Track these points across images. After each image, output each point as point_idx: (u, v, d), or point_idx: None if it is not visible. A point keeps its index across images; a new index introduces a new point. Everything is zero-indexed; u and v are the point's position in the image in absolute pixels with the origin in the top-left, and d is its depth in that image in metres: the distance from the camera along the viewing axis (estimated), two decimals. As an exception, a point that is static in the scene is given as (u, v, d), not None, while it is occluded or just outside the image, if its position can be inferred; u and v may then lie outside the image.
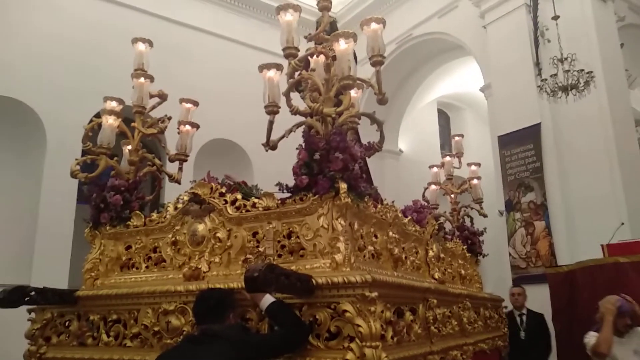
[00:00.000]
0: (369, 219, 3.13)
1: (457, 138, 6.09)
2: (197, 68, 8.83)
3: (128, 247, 3.51)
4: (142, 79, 3.73)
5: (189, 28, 9.14)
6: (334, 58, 3.10)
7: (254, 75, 10.14)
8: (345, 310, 2.43)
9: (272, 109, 3.15)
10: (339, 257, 2.70)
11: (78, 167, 3.52)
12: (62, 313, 3.36)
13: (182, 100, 4.08)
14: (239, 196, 3.14)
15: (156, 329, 2.92)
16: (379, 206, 3.33)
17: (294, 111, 3.35)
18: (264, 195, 3.03)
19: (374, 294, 2.40)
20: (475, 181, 5.83)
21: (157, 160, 3.80)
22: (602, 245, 5.37)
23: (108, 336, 3.13)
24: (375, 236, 3.23)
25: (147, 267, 3.39)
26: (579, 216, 6.64)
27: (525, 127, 7.17)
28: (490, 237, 5.99)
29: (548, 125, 7.02)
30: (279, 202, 2.96)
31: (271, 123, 3.18)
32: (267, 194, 3.02)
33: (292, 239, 2.91)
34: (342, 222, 2.78)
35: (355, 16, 9.70)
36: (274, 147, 3.28)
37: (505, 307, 5.70)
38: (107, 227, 3.55)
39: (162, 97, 3.95)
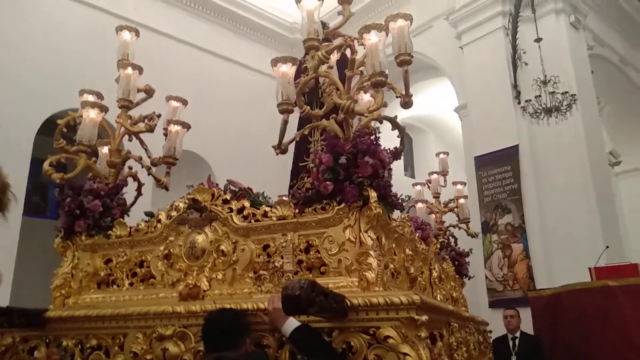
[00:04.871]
0: (391, 234, 2.83)
1: (442, 155, 5.90)
2: (155, 73, 8.28)
3: (108, 261, 3.04)
4: (129, 70, 3.29)
5: (147, 30, 8.60)
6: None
7: (217, 82, 9.59)
8: (388, 336, 2.10)
9: (285, 108, 2.81)
10: (370, 274, 2.38)
11: (51, 168, 3.03)
12: (26, 337, 2.82)
13: (169, 98, 3.67)
14: (247, 204, 2.76)
15: (149, 357, 2.47)
16: (397, 220, 3.04)
17: (305, 113, 3.04)
18: (279, 203, 2.66)
19: (424, 318, 2.08)
20: (462, 200, 5.66)
21: (145, 162, 3.34)
22: (589, 268, 5.29)
23: (85, 366, 2.64)
24: (394, 252, 2.93)
25: (131, 284, 2.93)
26: (557, 239, 6.61)
27: (503, 149, 7.13)
28: (465, 259, 5.81)
29: (526, 147, 7.01)
30: (296, 211, 2.61)
31: (285, 123, 2.84)
32: (282, 201, 2.66)
33: (311, 253, 2.56)
34: (372, 235, 2.47)
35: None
36: (284, 151, 2.93)
37: (490, 332, 5.51)
38: (83, 237, 3.07)
39: (149, 92, 3.52)
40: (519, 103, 6.94)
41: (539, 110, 6.08)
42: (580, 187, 6.69)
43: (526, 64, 7.15)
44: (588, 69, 7.62)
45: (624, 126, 10.06)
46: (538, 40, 6.46)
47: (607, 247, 5.80)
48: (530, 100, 6.22)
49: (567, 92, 5.96)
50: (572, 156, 6.79)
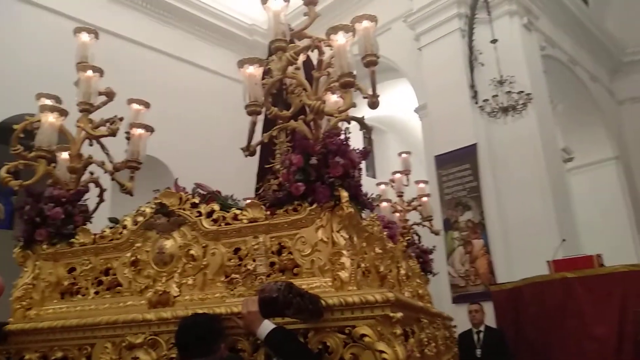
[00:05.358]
0: (362, 233, 2.84)
1: (404, 155, 6.00)
2: (114, 77, 8.09)
3: (71, 270, 2.93)
4: (89, 72, 3.20)
5: (105, 33, 8.36)
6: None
7: (175, 84, 9.35)
8: (364, 335, 2.11)
9: (253, 109, 2.79)
10: (344, 274, 2.38)
11: (9, 175, 2.90)
12: (-15, 353, 2.70)
13: (130, 101, 3.58)
14: (216, 207, 2.72)
15: (118, 367, 2.40)
16: (367, 220, 3.06)
17: (272, 114, 3.03)
18: (250, 205, 2.64)
19: (399, 315, 2.10)
20: (425, 199, 5.75)
21: (108, 167, 3.25)
22: (548, 262, 5.47)
23: (51, 380, 2.54)
24: (365, 252, 2.95)
25: (96, 292, 2.83)
26: (515, 234, 6.81)
27: (462, 147, 7.29)
28: (428, 256, 5.90)
29: (484, 145, 7.19)
30: (268, 213, 2.59)
31: (254, 124, 2.83)
32: (253, 203, 2.64)
33: (284, 254, 2.55)
34: (345, 235, 2.48)
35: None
36: (252, 153, 2.91)
37: (455, 327, 5.62)
38: (44, 246, 2.95)
39: (110, 95, 3.43)
40: (477, 103, 7.12)
41: (495, 110, 6.26)
42: (537, 183, 6.92)
43: (482, 65, 7.34)
44: (541, 68, 7.89)
45: (575, 123, 10.47)
46: (494, 41, 6.65)
47: (564, 240, 6.01)
48: (487, 100, 6.40)
49: (522, 92, 6.16)
50: (528, 153, 7.02)
